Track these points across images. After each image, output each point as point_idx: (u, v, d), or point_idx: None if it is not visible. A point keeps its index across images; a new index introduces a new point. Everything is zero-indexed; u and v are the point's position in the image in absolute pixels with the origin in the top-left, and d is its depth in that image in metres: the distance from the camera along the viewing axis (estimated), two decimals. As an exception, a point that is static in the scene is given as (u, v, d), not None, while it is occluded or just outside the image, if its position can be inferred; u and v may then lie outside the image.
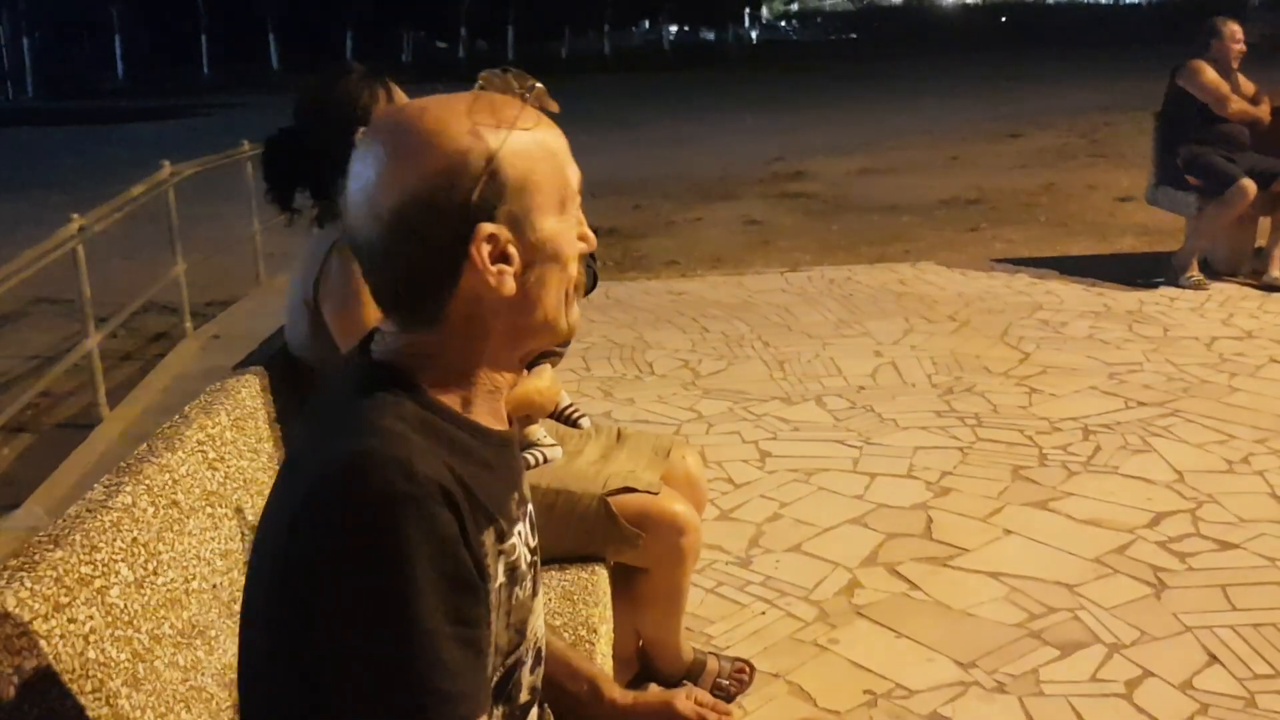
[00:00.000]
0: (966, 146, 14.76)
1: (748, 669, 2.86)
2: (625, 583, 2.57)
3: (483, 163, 1.10)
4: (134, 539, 1.56)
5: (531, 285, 1.15)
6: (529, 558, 1.24)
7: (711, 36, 73.09)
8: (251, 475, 2.01)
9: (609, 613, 2.38)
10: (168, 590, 1.60)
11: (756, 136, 17.40)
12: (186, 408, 1.97)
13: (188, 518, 1.73)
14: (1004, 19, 68.74)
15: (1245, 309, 6.15)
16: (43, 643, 1.29)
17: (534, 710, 1.32)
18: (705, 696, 1.61)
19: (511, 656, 1.22)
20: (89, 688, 1.35)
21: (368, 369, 1.17)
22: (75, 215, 5.53)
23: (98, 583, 1.44)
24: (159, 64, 47.95)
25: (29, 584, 1.32)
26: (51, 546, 1.41)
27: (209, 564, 1.75)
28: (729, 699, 2.75)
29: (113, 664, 1.42)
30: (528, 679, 1.27)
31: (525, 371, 1.66)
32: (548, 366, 2.45)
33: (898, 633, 3.07)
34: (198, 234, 8.31)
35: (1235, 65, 6.76)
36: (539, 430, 2.54)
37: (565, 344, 1.23)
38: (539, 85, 1.18)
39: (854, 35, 72.95)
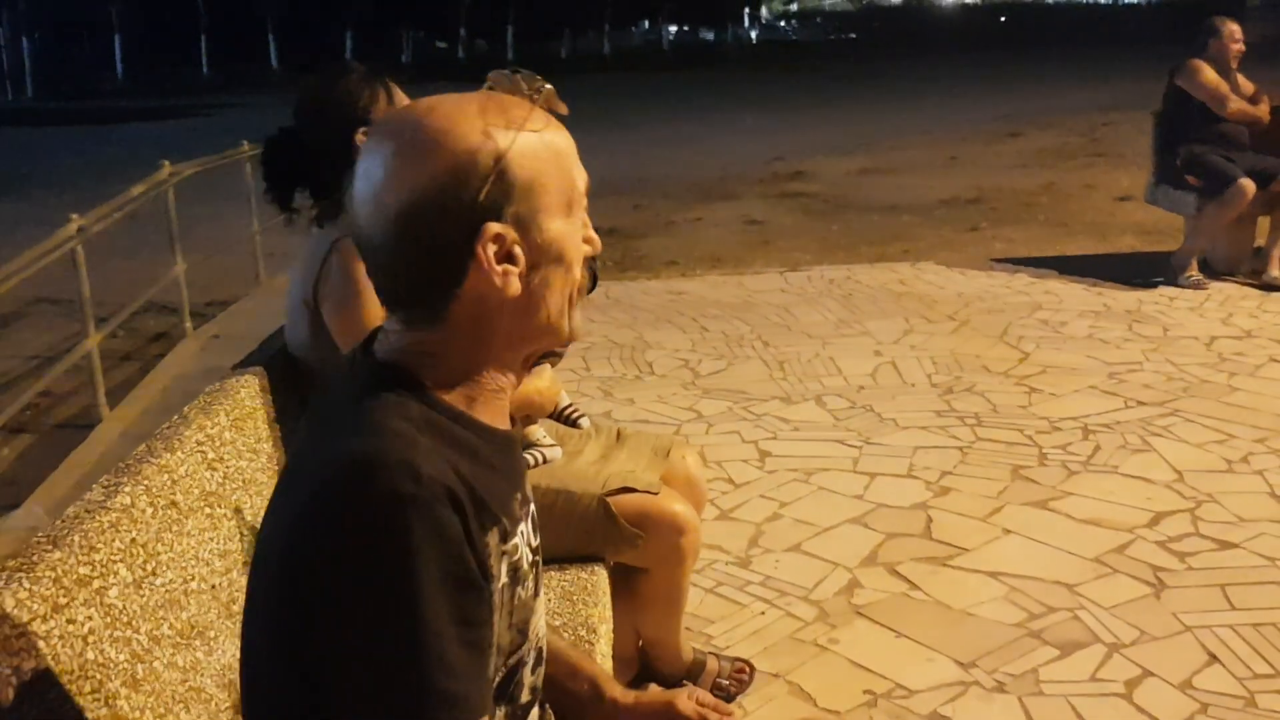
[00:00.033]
0: (966, 146, 14.76)
1: (748, 669, 2.86)
2: (625, 583, 2.57)
3: (491, 162, 1.10)
4: (133, 540, 1.56)
5: (536, 286, 1.16)
6: (531, 558, 1.24)
7: (711, 36, 73.13)
8: (251, 476, 2.01)
9: (609, 613, 2.38)
10: (166, 591, 1.60)
11: (756, 136, 17.41)
12: (185, 408, 1.97)
13: (187, 518, 1.73)
14: (1003, 19, 68.73)
15: (1245, 308, 6.15)
16: (41, 644, 1.29)
17: (534, 710, 1.32)
18: (706, 697, 1.61)
19: (514, 657, 1.22)
20: (88, 689, 1.35)
21: (372, 369, 1.17)
22: (75, 215, 5.53)
23: (96, 583, 1.44)
24: (159, 64, 47.98)
25: (27, 585, 1.31)
26: (50, 547, 1.41)
27: (208, 564, 1.75)
28: (729, 699, 2.75)
29: (112, 665, 1.41)
30: (529, 679, 1.27)
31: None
32: (547, 366, 2.45)
33: (898, 633, 3.07)
34: (197, 234, 8.32)
35: (1234, 65, 6.76)
36: (538, 430, 2.54)
37: (566, 345, 1.23)
38: (548, 87, 1.19)
39: (853, 35, 72.96)
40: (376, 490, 1.02)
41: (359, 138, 2.30)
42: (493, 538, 1.12)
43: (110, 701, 1.39)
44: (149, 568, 1.57)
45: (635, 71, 39.60)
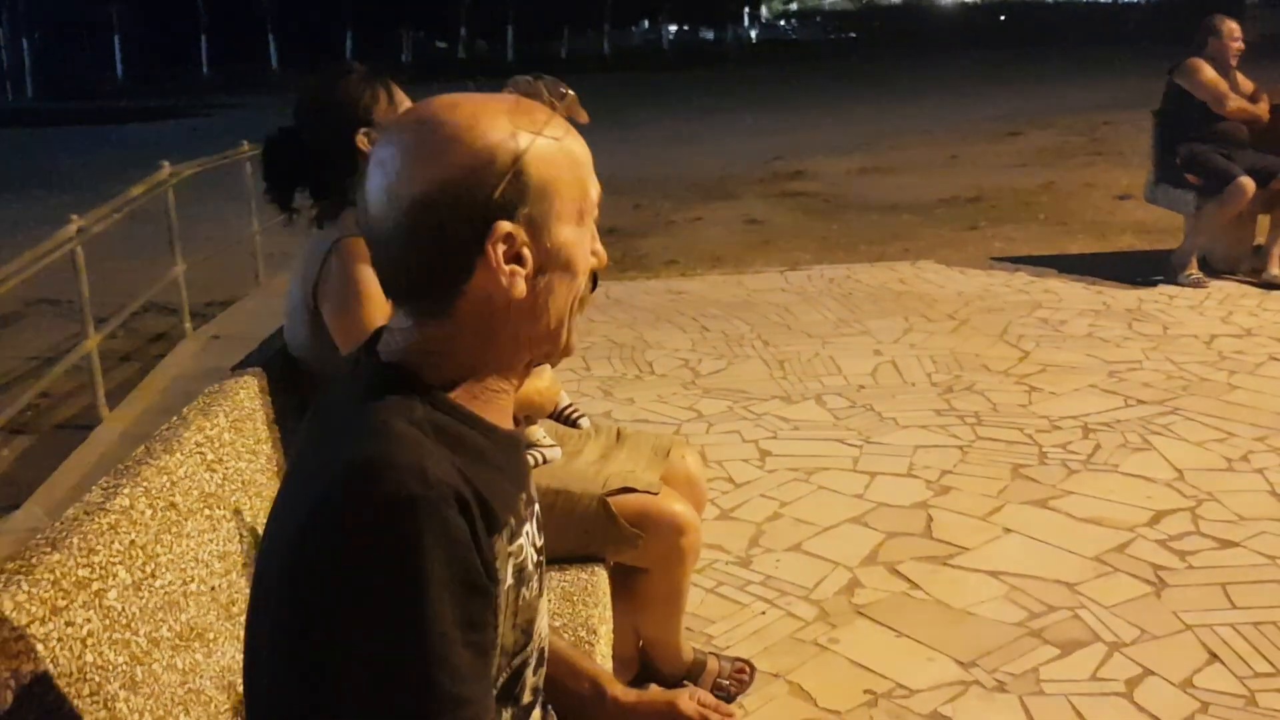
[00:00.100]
0: (966, 145, 14.75)
1: (748, 669, 2.86)
2: (625, 583, 2.57)
3: (509, 161, 1.11)
4: (132, 541, 1.55)
5: (541, 291, 1.16)
6: (535, 558, 1.24)
7: (711, 36, 73.09)
8: (250, 477, 2.01)
9: (609, 613, 2.38)
10: (166, 593, 1.60)
11: (756, 136, 17.40)
12: (185, 409, 1.97)
13: (186, 520, 1.73)
14: (1003, 17, 68.70)
15: (1244, 307, 6.15)
16: (40, 646, 1.29)
17: (536, 711, 1.31)
18: (707, 697, 1.61)
19: (518, 658, 1.22)
20: (86, 691, 1.35)
21: (376, 370, 1.17)
22: (74, 216, 5.54)
23: (95, 586, 1.44)
24: (159, 64, 48.00)
25: (26, 587, 1.31)
26: (49, 549, 1.40)
27: (207, 566, 1.75)
28: (729, 699, 2.75)
29: (111, 667, 1.41)
30: (531, 679, 1.27)
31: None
32: (547, 366, 2.44)
33: (898, 632, 3.07)
34: (197, 234, 8.32)
35: (1234, 63, 6.76)
36: (538, 430, 2.54)
37: (563, 355, 1.23)
38: (571, 93, 1.19)
39: (853, 34, 72.92)
40: (384, 493, 1.02)
41: (360, 138, 2.30)
42: (499, 540, 1.12)
43: (109, 704, 1.39)
44: (148, 570, 1.57)
45: (635, 71, 39.59)
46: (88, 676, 1.36)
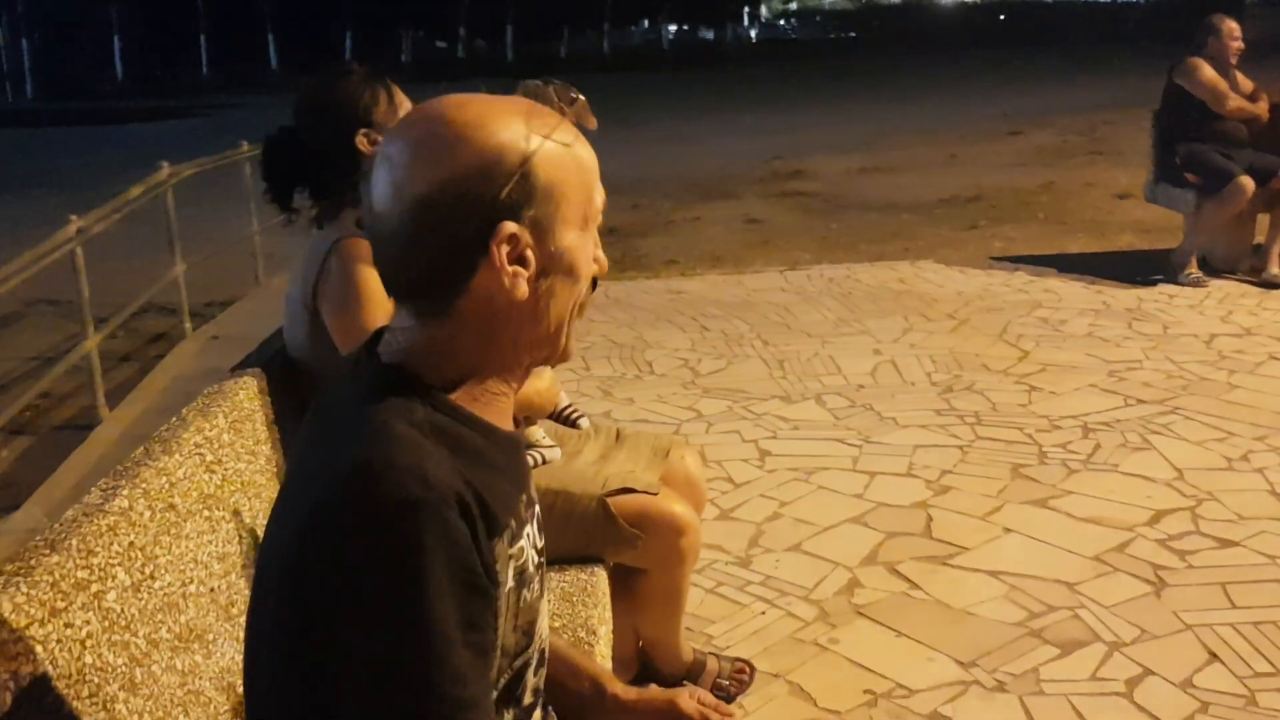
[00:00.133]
0: (965, 145, 14.75)
1: (748, 669, 2.86)
2: (624, 583, 2.56)
3: (518, 162, 1.11)
4: (131, 543, 1.55)
5: (543, 294, 1.16)
6: (536, 559, 1.24)
7: (710, 35, 73.05)
8: (249, 478, 2.01)
9: (608, 614, 2.38)
10: (165, 594, 1.60)
11: (756, 135, 17.39)
12: (184, 410, 1.97)
13: (185, 521, 1.73)
14: (1003, 17, 68.68)
15: (1244, 306, 6.15)
16: (39, 648, 1.29)
17: (537, 712, 1.31)
18: (708, 697, 1.61)
19: (519, 659, 1.22)
20: (86, 693, 1.35)
21: (376, 371, 1.17)
22: (74, 217, 5.54)
23: (94, 587, 1.44)
24: (158, 64, 47.98)
25: (25, 589, 1.31)
26: (48, 551, 1.40)
27: (206, 567, 1.75)
28: (729, 699, 2.75)
29: (110, 669, 1.41)
30: (532, 681, 1.27)
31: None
32: (546, 367, 2.44)
33: (898, 632, 3.07)
34: (197, 235, 8.31)
35: (1233, 62, 6.76)
36: (538, 431, 2.54)
37: (560, 360, 1.24)
38: (581, 99, 1.19)
39: (853, 34, 72.91)
40: (386, 495, 1.02)
41: (359, 139, 2.30)
42: (499, 543, 1.12)
43: (108, 705, 1.39)
44: (147, 571, 1.57)
45: (635, 71, 39.55)
46: (87, 678, 1.36)
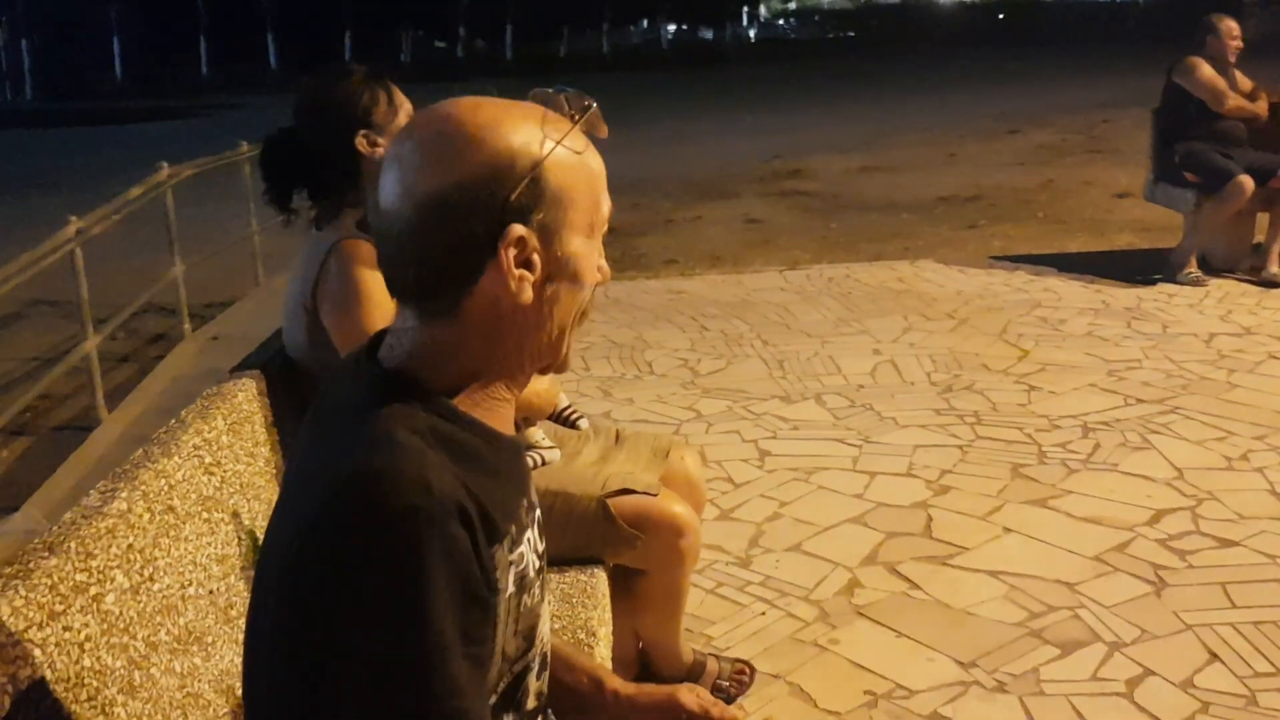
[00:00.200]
0: (965, 144, 14.75)
1: (748, 670, 2.86)
2: (624, 584, 2.56)
3: (529, 166, 1.11)
4: (129, 545, 1.55)
5: (547, 299, 1.16)
6: (537, 564, 1.23)
7: (710, 35, 73.07)
8: (248, 480, 2.01)
9: (608, 615, 2.38)
10: (164, 597, 1.60)
11: (755, 135, 17.39)
12: (183, 412, 1.97)
13: (184, 523, 1.72)
14: (1001, 16, 68.68)
15: (1244, 305, 6.14)
16: (37, 651, 1.29)
17: (540, 717, 1.31)
18: (708, 695, 1.61)
19: (520, 663, 1.21)
20: (84, 696, 1.35)
21: (378, 375, 1.16)
22: (73, 217, 5.54)
23: (93, 590, 1.43)
24: (158, 64, 48.00)
25: (23, 592, 1.31)
26: (46, 554, 1.40)
27: (205, 570, 1.75)
28: (729, 700, 2.74)
29: (108, 672, 1.41)
30: (534, 685, 1.27)
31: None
32: (546, 368, 2.44)
33: (898, 632, 3.07)
34: (196, 235, 8.31)
35: (1232, 61, 6.76)
36: (537, 432, 2.54)
37: (560, 369, 1.24)
38: (593, 107, 1.19)
39: (852, 33, 72.90)
40: (387, 504, 1.02)
41: (359, 140, 2.30)
42: (499, 550, 1.12)
43: (107, 709, 1.39)
44: (146, 573, 1.57)
45: (634, 70, 39.57)
46: (85, 681, 1.36)
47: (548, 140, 1.13)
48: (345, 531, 1.02)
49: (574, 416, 2.60)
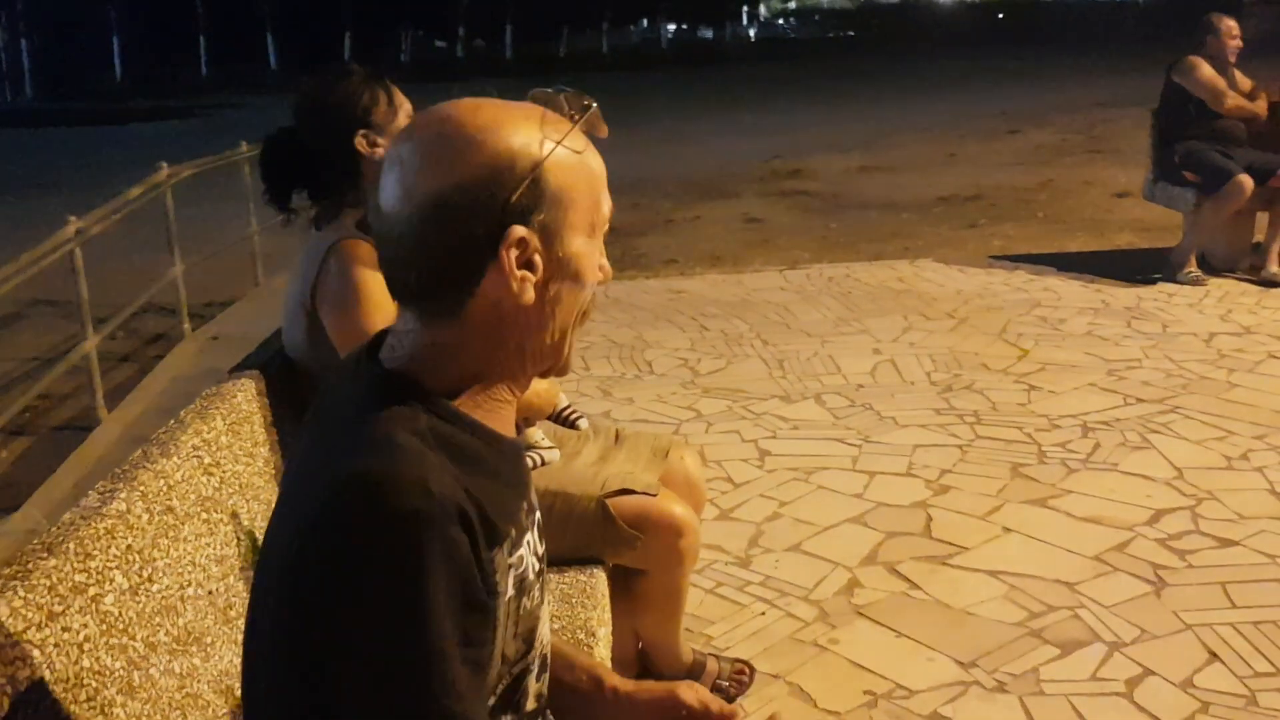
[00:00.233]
0: (964, 144, 14.75)
1: (747, 670, 2.86)
2: (624, 585, 2.56)
3: (529, 167, 1.11)
4: (128, 546, 1.55)
5: (549, 299, 1.16)
6: (537, 567, 1.23)
7: (709, 35, 73.07)
8: (247, 480, 2.00)
9: (608, 615, 2.38)
10: (163, 597, 1.60)
11: (755, 134, 17.39)
12: (182, 412, 1.97)
13: (183, 524, 1.72)
14: (1001, 15, 68.67)
15: (1243, 304, 6.14)
16: (36, 652, 1.29)
17: (539, 719, 1.31)
18: (707, 692, 1.60)
19: (519, 665, 1.21)
20: (83, 696, 1.35)
21: (379, 376, 1.16)
22: (73, 218, 5.54)
23: (92, 591, 1.43)
24: (157, 65, 47.98)
25: (22, 593, 1.31)
26: (45, 554, 1.40)
27: (204, 570, 1.75)
28: (729, 700, 2.74)
29: (107, 672, 1.41)
30: (534, 687, 1.26)
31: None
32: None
33: (898, 632, 3.07)
34: (196, 235, 8.31)
35: (1232, 61, 6.76)
36: (536, 432, 2.54)
37: (562, 372, 1.24)
38: (593, 106, 1.19)
39: (851, 33, 72.90)
40: (388, 508, 1.02)
41: (358, 140, 2.30)
42: (499, 554, 1.12)
43: (106, 709, 1.39)
44: (145, 574, 1.57)
45: (634, 70, 39.55)
46: (84, 682, 1.36)
47: (547, 141, 1.13)
48: (345, 533, 1.02)
49: (573, 416, 2.60)
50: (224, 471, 1.92)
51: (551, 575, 2.35)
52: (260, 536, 1.83)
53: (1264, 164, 6.51)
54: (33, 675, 1.27)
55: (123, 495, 1.60)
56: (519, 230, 1.11)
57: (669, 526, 2.45)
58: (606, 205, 1.20)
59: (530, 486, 1.27)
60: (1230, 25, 6.74)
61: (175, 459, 1.77)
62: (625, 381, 5.33)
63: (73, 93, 41.97)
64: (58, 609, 1.35)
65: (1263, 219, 6.80)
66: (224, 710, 1.68)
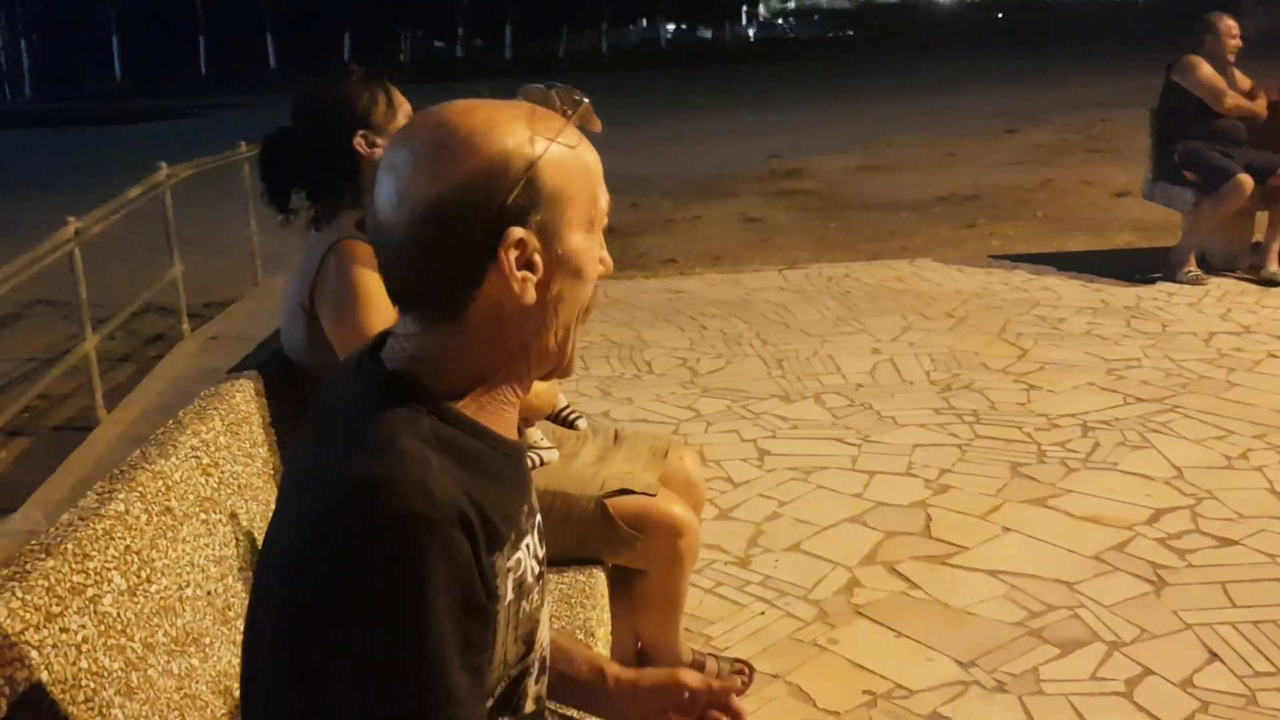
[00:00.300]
0: (963, 143, 14.75)
1: (747, 669, 2.86)
2: (623, 585, 2.56)
3: (523, 167, 1.10)
4: (127, 546, 1.55)
5: (551, 298, 1.15)
6: (536, 569, 1.23)
7: (709, 34, 73.07)
8: (246, 481, 2.00)
9: (607, 615, 2.38)
10: (161, 598, 1.60)
11: (754, 134, 17.38)
12: (180, 413, 1.97)
13: (181, 524, 1.72)
14: (1000, 15, 68.67)
15: (1243, 304, 6.14)
16: (34, 653, 1.29)
17: (538, 720, 1.31)
18: (711, 679, 1.60)
19: (518, 668, 1.21)
20: (82, 698, 1.35)
21: (380, 378, 1.15)
22: (72, 218, 5.53)
23: (90, 592, 1.43)
24: (157, 65, 48.00)
25: (20, 594, 1.31)
26: (43, 555, 1.40)
27: (203, 571, 1.74)
28: (728, 700, 2.74)
29: (106, 673, 1.41)
30: (533, 689, 1.26)
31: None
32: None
33: (897, 632, 3.07)
34: (195, 235, 8.31)
35: (1231, 60, 6.76)
36: (536, 433, 2.54)
37: (564, 373, 1.23)
38: (585, 102, 1.18)
39: (851, 32, 72.89)
40: (389, 512, 1.01)
41: (357, 140, 2.30)
42: (499, 557, 1.12)
43: (104, 710, 1.38)
44: (143, 575, 1.57)
45: (633, 69, 39.54)
46: (83, 683, 1.36)
47: (541, 139, 1.12)
48: (346, 535, 1.02)
49: (572, 416, 2.60)
50: (223, 472, 1.92)
51: (551, 575, 2.34)
52: (259, 537, 1.83)
53: (1264, 163, 6.52)
54: (31, 676, 1.27)
55: (121, 496, 1.60)
56: (517, 231, 1.10)
57: (668, 526, 2.45)
58: (604, 199, 1.20)
59: (531, 489, 1.27)
60: (1230, 24, 6.74)
61: (174, 459, 1.77)
62: (624, 381, 5.33)
63: (72, 93, 41.98)
64: (56, 610, 1.35)
65: (1262, 218, 6.80)
66: (222, 711, 1.67)
